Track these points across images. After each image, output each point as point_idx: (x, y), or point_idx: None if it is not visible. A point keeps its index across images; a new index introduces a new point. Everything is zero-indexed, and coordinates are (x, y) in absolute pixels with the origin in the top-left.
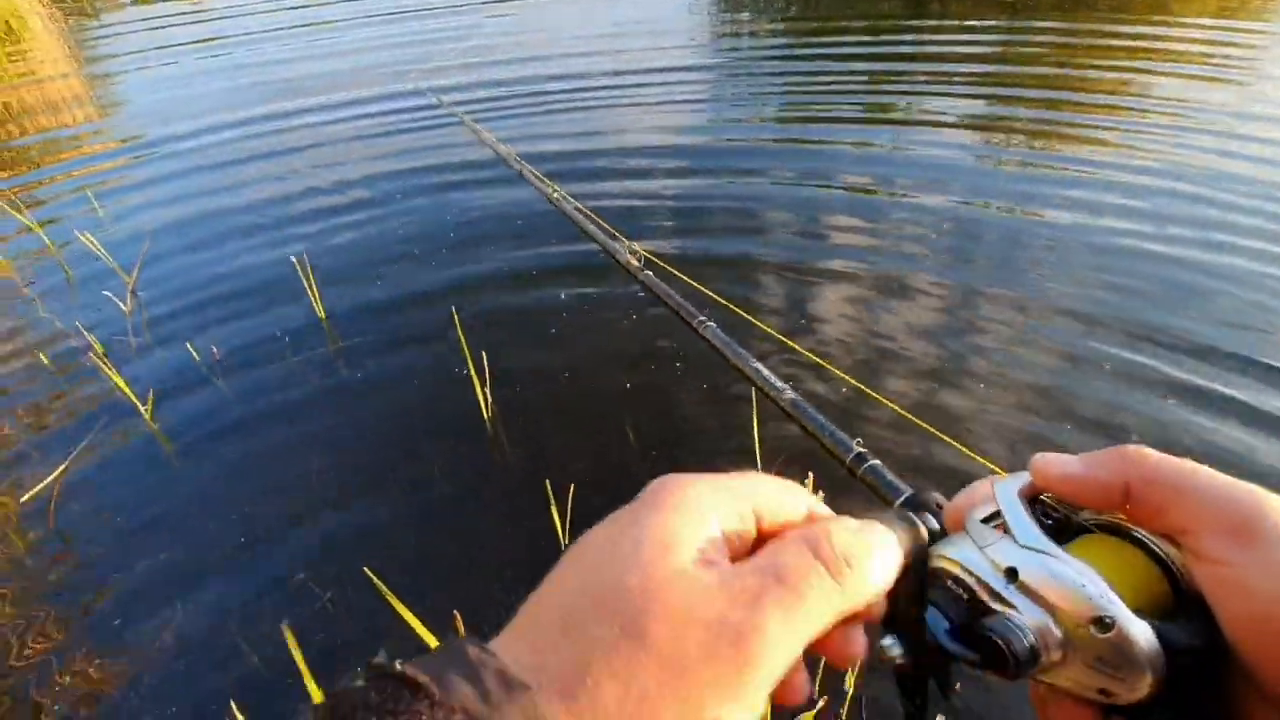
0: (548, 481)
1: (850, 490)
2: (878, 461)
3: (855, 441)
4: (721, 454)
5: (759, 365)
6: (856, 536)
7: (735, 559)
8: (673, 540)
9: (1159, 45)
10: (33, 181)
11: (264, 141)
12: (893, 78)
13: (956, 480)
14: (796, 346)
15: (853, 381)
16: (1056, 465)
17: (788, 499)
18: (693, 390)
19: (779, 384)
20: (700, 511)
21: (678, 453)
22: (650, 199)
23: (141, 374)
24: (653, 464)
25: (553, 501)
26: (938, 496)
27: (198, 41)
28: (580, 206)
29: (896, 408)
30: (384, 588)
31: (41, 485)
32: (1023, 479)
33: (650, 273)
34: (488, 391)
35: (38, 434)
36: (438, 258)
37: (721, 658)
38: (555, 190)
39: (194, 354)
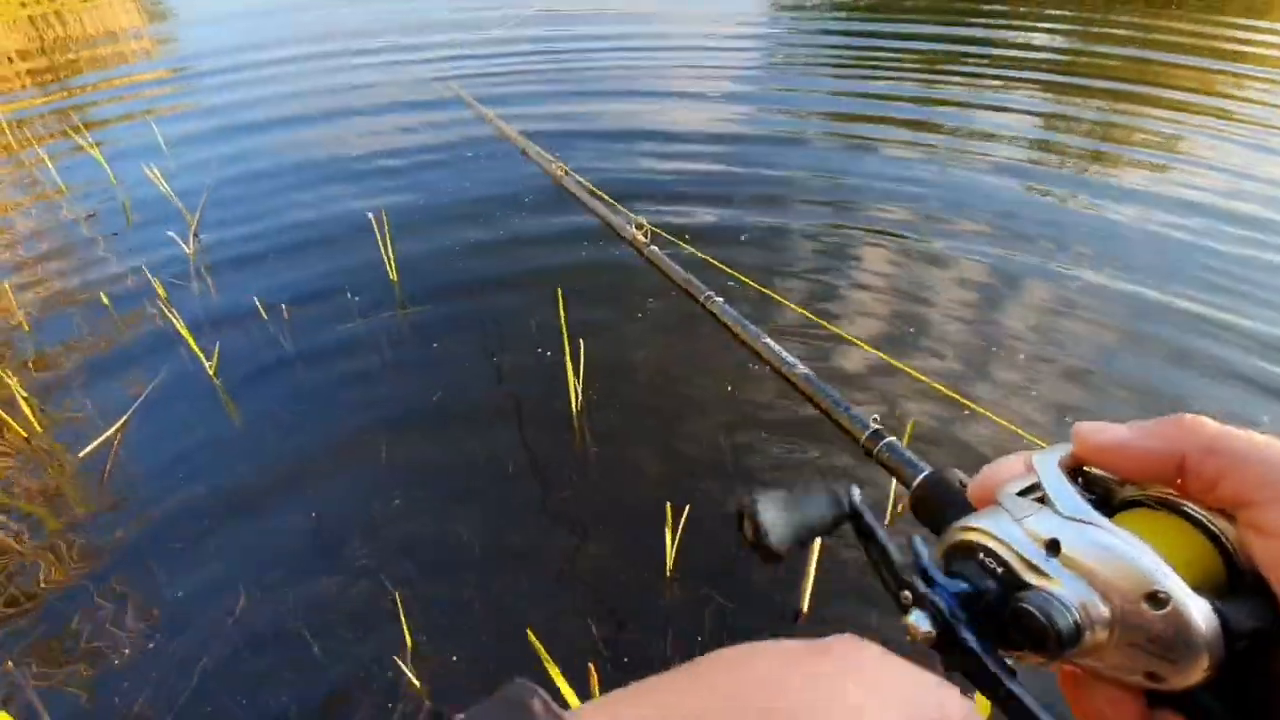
0: (668, 504)
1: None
2: (895, 439)
3: (872, 418)
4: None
5: (769, 340)
6: None
7: None
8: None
9: (1244, 47)
10: (91, 102)
11: (337, 78)
12: (947, 59)
13: (980, 460)
14: (814, 317)
15: (875, 351)
16: (1105, 433)
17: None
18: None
19: (790, 359)
20: (886, 701)
21: (780, 476)
22: (671, 170)
23: (205, 324)
24: (747, 482)
25: (666, 524)
26: (960, 474)
27: None
28: (584, 181)
29: (921, 375)
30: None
31: (100, 440)
32: (1060, 451)
33: (655, 248)
34: (580, 382)
35: (99, 381)
36: (525, 213)
37: None
38: (560, 167)
39: (261, 309)
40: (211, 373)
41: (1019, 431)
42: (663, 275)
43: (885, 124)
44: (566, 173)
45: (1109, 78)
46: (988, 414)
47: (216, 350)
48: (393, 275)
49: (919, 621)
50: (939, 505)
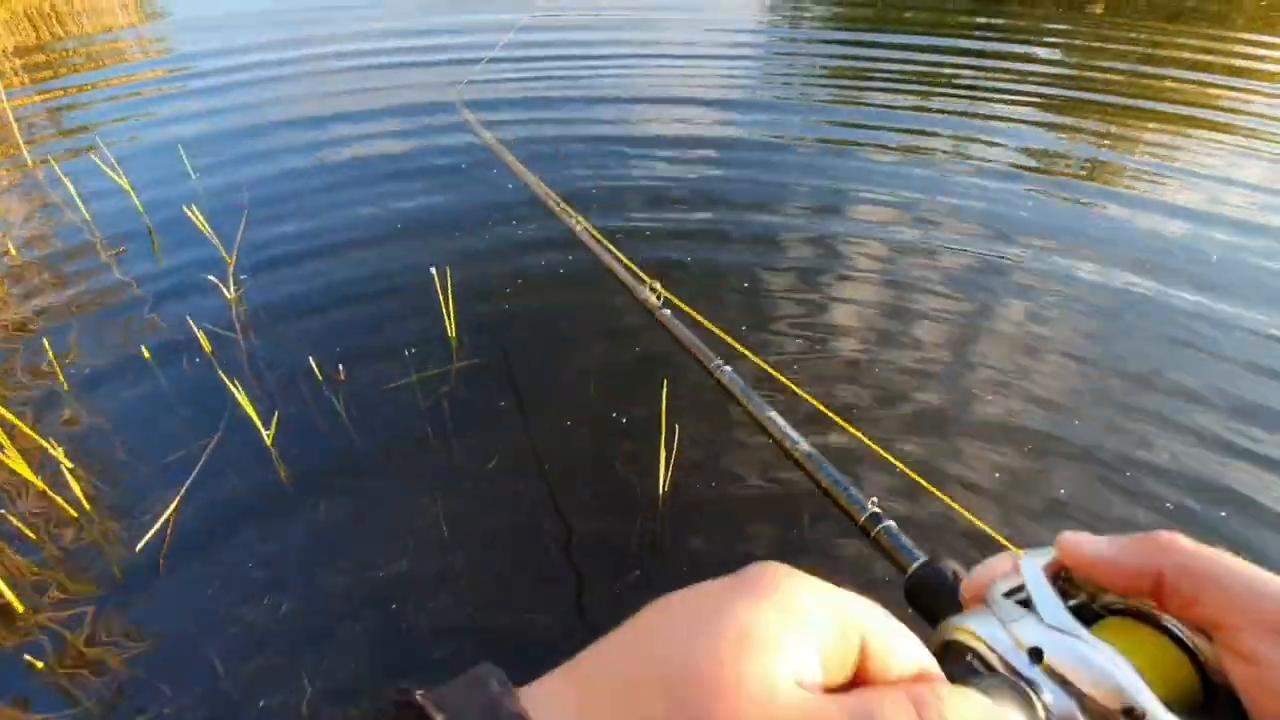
0: None
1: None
2: (893, 523)
3: (870, 501)
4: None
5: (774, 414)
6: (977, 713)
7: (826, 685)
8: (764, 640)
9: (1248, 62)
10: (103, 110)
11: (355, 87)
12: (951, 91)
13: (963, 548)
14: (811, 399)
15: (868, 442)
16: (1086, 546)
17: (902, 643)
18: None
19: (794, 435)
20: (802, 616)
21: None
22: (677, 226)
23: (255, 385)
24: None
25: None
26: (955, 566)
27: None
28: (601, 238)
29: (913, 474)
30: None
31: (158, 524)
32: (1047, 555)
33: (668, 311)
34: (669, 471)
35: (147, 450)
36: (580, 264)
37: None
38: (579, 222)
39: (315, 368)
40: (269, 442)
41: (993, 533)
42: (673, 340)
43: (913, 151)
44: (585, 228)
45: (1109, 92)
46: (966, 513)
47: (275, 419)
48: (451, 331)
49: None
50: (932, 595)
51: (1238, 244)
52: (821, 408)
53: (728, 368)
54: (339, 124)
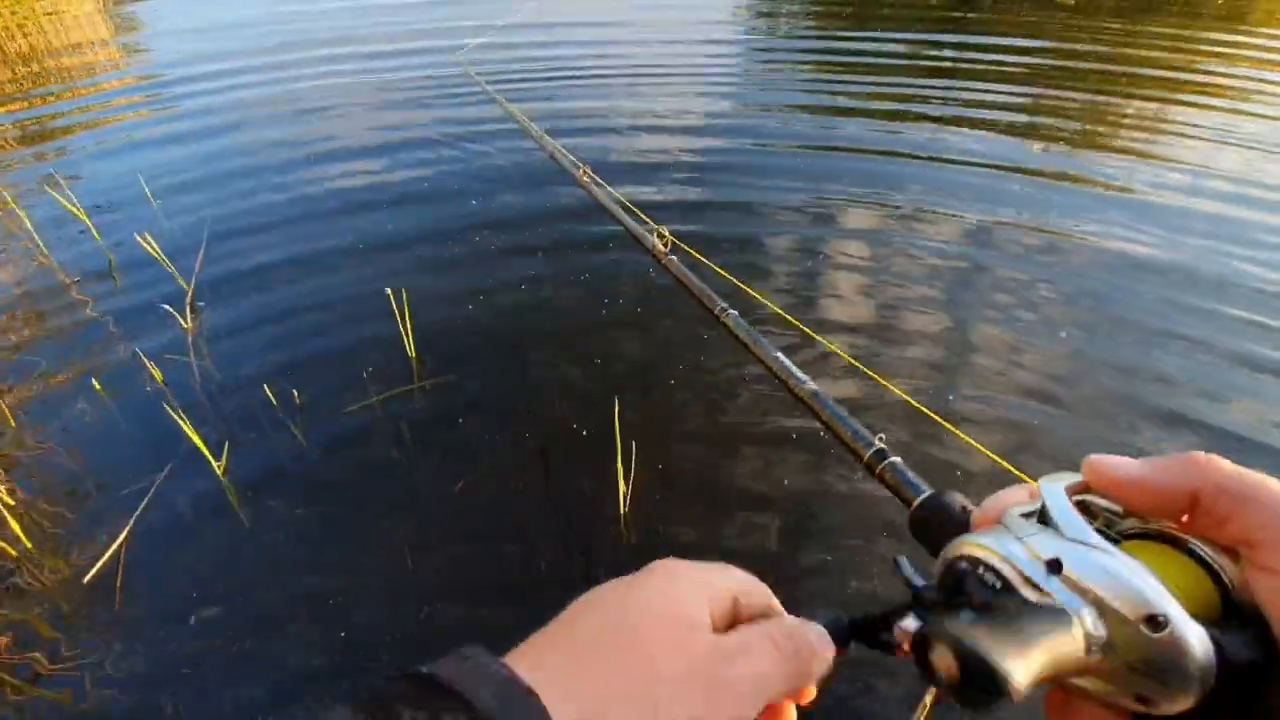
0: None
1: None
2: (898, 459)
3: (877, 437)
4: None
5: (779, 354)
6: (797, 632)
7: (714, 628)
8: (677, 605)
9: (1223, 49)
10: (72, 150)
11: (325, 96)
12: (937, 74)
13: (975, 487)
14: (818, 336)
15: (879, 378)
16: (1117, 466)
17: (756, 592)
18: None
19: (800, 374)
20: (697, 589)
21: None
22: (685, 183)
23: (210, 415)
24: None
25: None
26: (962, 499)
27: None
28: (606, 187)
29: (925, 408)
30: None
31: (104, 560)
32: (1067, 479)
33: (675, 258)
34: (629, 486)
35: (95, 486)
36: (549, 262)
37: (706, 696)
38: (585, 172)
39: (270, 396)
40: (220, 473)
41: (1000, 461)
42: (679, 285)
43: (900, 133)
44: (589, 176)
45: (1086, 88)
46: (975, 443)
47: (226, 449)
48: (411, 350)
49: (908, 623)
50: (938, 526)
51: (1223, 212)
52: (827, 343)
53: (733, 311)
54: (299, 144)
